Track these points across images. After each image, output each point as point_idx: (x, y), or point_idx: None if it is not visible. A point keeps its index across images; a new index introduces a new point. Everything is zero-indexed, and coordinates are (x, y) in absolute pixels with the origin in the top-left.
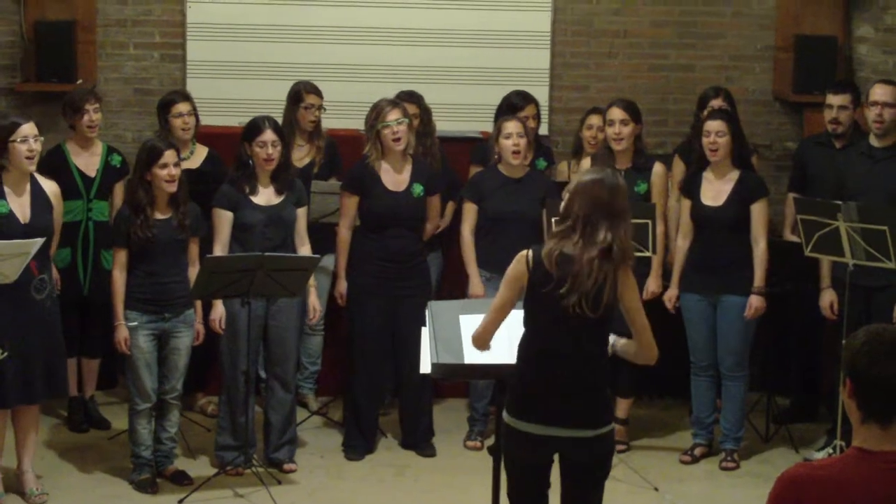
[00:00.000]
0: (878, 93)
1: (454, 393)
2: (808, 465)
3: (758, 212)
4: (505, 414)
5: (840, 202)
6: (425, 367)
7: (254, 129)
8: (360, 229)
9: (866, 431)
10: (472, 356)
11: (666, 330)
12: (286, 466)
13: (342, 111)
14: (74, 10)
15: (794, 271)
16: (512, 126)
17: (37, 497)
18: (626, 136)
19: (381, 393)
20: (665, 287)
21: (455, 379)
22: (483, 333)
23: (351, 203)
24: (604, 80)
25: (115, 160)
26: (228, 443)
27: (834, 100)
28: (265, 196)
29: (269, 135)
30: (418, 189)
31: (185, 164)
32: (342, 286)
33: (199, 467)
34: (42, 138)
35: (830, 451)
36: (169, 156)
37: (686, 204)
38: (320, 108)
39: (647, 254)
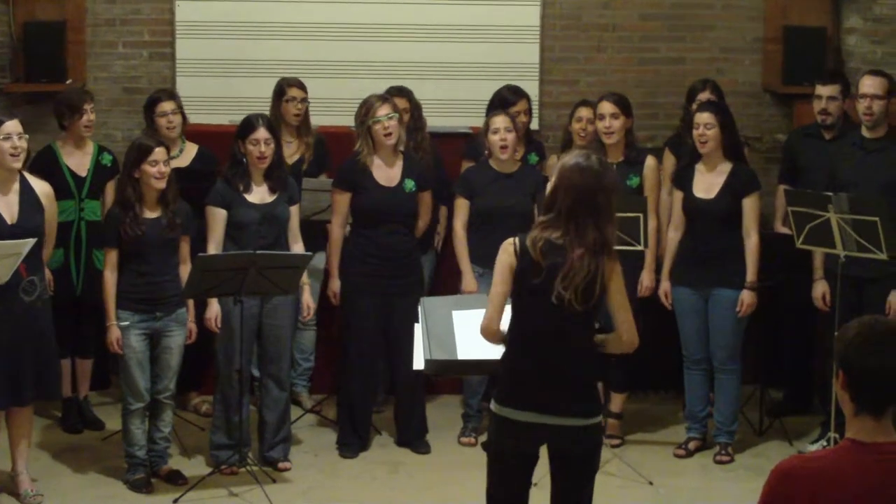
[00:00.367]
0: (867, 84)
1: (448, 389)
2: (801, 457)
3: (750, 206)
4: (493, 403)
5: (831, 193)
6: (418, 363)
7: (247, 126)
8: (352, 227)
9: (859, 423)
10: (465, 352)
11: (658, 324)
12: (281, 465)
13: (333, 108)
14: (64, 10)
15: (786, 263)
16: (500, 121)
17: (31, 498)
18: (617, 129)
19: (375, 391)
20: (658, 281)
21: (448, 375)
22: (489, 326)
23: (343, 200)
24: (593, 74)
25: (106, 159)
26: (223, 442)
27: (823, 90)
28: (259, 194)
29: (262, 133)
30: (410, 184)
31: (175, 163)
32: (336, 285)
33: (194, 467)
34: (27, 136)
35: (824, 443)
36: (159, 153)
37: (678, 196)
38: (303, 100)
39: (640, 248)
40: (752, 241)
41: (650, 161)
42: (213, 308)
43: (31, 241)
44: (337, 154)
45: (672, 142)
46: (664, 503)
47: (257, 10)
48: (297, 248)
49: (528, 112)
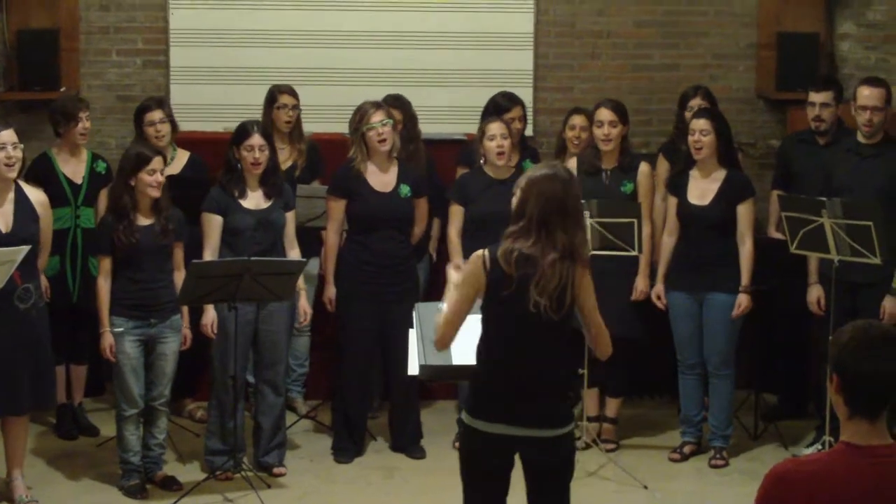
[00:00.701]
0: (866, 95)
1: (443, 395)
2: (796, 460)
3: (744, 212)
4: (463, 413)
5: (824, 199)
6: (413, 368)
7: (242, 133)
8: (347, 233)
9: (854, 426)
10: (460, 357)
11: (653, 329)
12: (276, 470)
13: (327, 115)
14: (57, 18)
15: (780, 269)
16: (495, 128)
17: None
18: (615, 137)
19: (370, 396)
20: (652, 286)
21: (443, 380)
22: (444, 336)
23: (338, 207)
24: (587, 81)
25: (100, 167)
26: (218, 447)
27: (816, 97)
28: (254, 200)
29: (256, 139)
30: (405, 190)
31: (166, 170)
32: (331, 291)
33: (189, 472)
34: (22, 146)
35: (819, 447)
36: (156, 162)
37: (672, 202)
38: (295, 107)
39: (634, 253)
40: (746, 247)
41: (644, 167)
42: (210, 314)
43: (24, 249)
44: (331, 161)
45: (666, 148)
46: None
47: (251, 18)
48: (294, 254)
49: (523, 119)
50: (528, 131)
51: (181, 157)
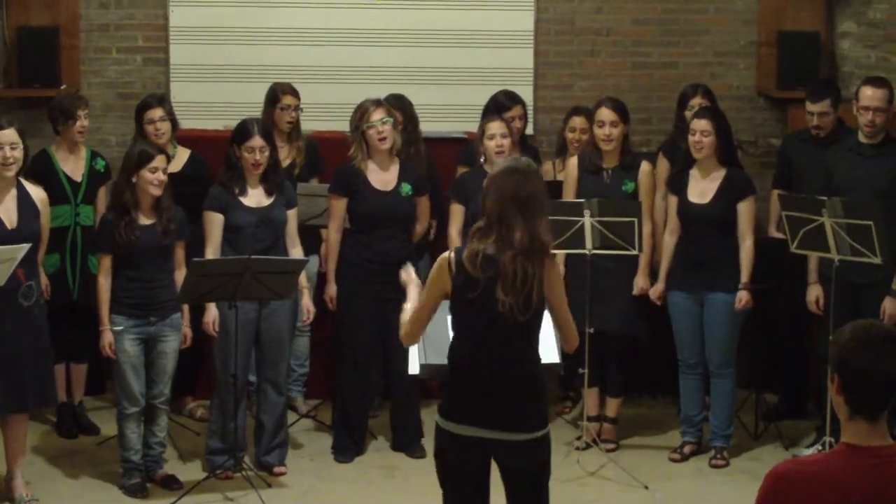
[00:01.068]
0: (869, 96)
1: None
2: (796, 460)
3: (745, 210)
4: (437, 416)
5: (825, 198)
6: (413, 368)
7: (243, 133)
8: (348, 231)
9: (854, 427)
10: None
11: (653, 328)
12: (276, 469)
13: (327, 113)
14: (58, 16)
15: (780, 268)
16: (495, 127)
17: (27, 503)
18: (616, 136)
19: (371, 395)
20: (652, 284)
21: (443, 379)
22: (407, 334)
23: (339, 205)
24: (587, 79)
25: (99, 164)
26: (218, 446)
27: (813, 108)
28: (255, 197)
29: (257, 140)
30: (406, 188)
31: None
32: (332, 289)
33: (189, 471)
34: (21, 145)
35: (819, 447)
36: (159, 160)
37: (673, 201)
38: (297, 108)
39: (634, 252)
40: (746, 245)
41: (645, 166)
42: (212, 312)
43: (26, 247)
44: (332, 159)
45: (666, 146)
46: None
47: (251, 16)
48: (296, 252)
49: (524, 117)
50: (529, 130)
51: (182, 155)
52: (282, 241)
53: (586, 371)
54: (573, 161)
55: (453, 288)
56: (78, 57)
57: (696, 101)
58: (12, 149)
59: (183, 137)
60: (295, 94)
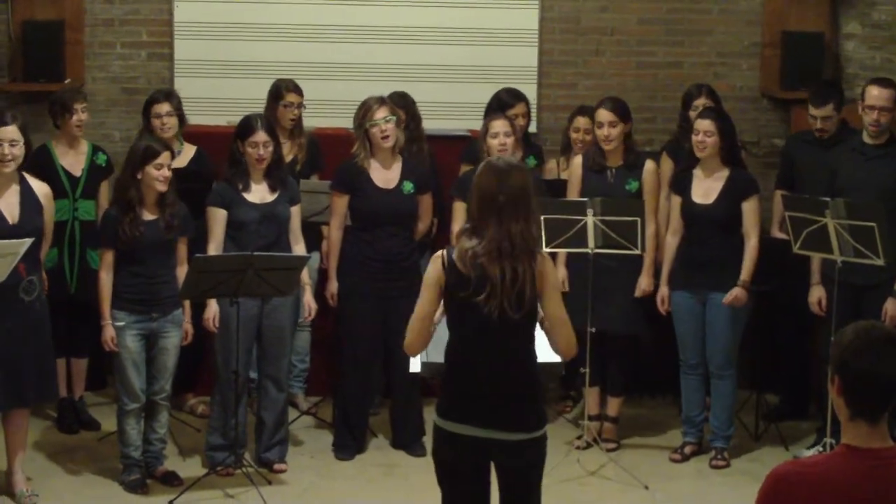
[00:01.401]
0: (875, 95)
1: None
2: (797, 462)
3: (749, 209)
4: (434, 415)
5: (828, 199)
6: (414, 366)
7: (247, 128)
8: (350, 229)
9: (855, 429)
10: None
11: (655, 328)
12: (277, 466)
13: (330, 110)
14: (62, 10)
15: (783, 269)
16: (499, 125)
17: (27, 499)
18: (615, 136)
19: (371, 393)
20: (656, 285)
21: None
22: (411, 343)
23: (341, 202)
24: (591, 78)
25: (101, 159)
26: (219, 443)
27: (816, 112)
28: (259, 193)
29: (261, 136)
30: (408, 186)
31: (173, 163)
32: (333, 287)
33: (190, 468)
34: (21, 141)
35: (820, 448)
36: (164, 157)
37: (676, 201)
38: (300, 106)
39: (637, 251)
40: (751, 243)
41: (649, 165)
42: (212, 308)
43: (28, 241)
44: (335, 156)
45: (670, 146)
46: None
47: (256, 12)
48: (299, 248)
49: (527, 115)
50: (532, 128)
51: (188, 151)
52: (285, 238)
53: (587, 370)
54: (577, 160)
55: (446, 286)
56: (82, 52)
57: (701, 102)
58: (11, 145)
59: (187, 133)
60: (298, 91)
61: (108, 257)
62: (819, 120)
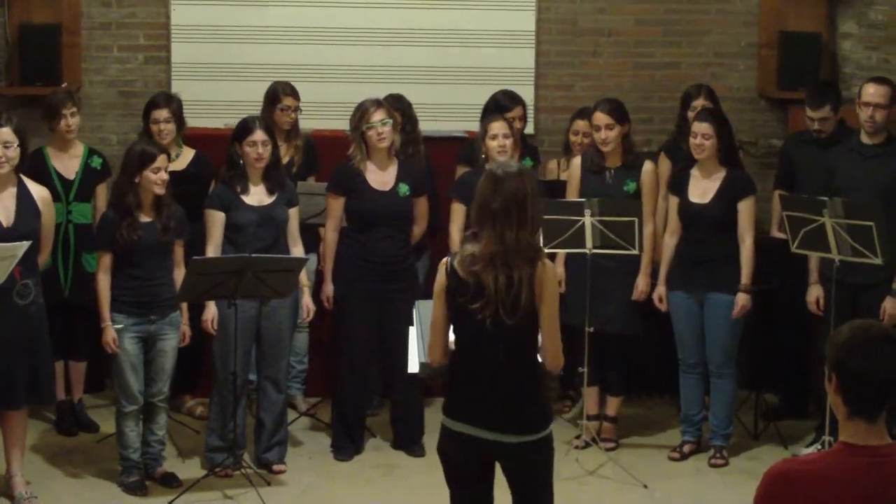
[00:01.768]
0: (871, 93)
1: (442, 393)
2: (795, 459)
3: (745, 209)
4: (441, 414)
5: (826, 198)
6: (413, 366)
7: (244, 129)
8: (346, 231)
9: (853, 426)
10: None
11: (654, 328)
12: (276, 467)
13: (327, 112)
14: (59, 13)
15: (781, 268)
16: (498, 127)
17: (26, 501)
18: (612, 139)
19: (368, 394)
20: (653, 286)
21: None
22: (429, 349)
23: (337, 204)
24: (589, 79)
25: (96, 162)
26: (218, 444)
27: (813, 114)
28: (257, 196)
29: (259, 135)
30: (404, 189)
31: (172, 166)
32: (329, 289)
33: (189, 469)
34: (16, 144)
35: (819, 446)
36: (161, 160)
37: (674, 201)
38: (296, 109)
39: (634, 251)
40: (747, 245)
41: (648, 166)
42: (211, 310)
43: (25, 245)
44: (331, 158)
45: (668, 146)
46: None
47: (252, 15)
48: (297, 250)
49: (523, 118)
50: (529, 129)
51: (186, 154)
52: (283, 240)
53: (586, 370)
54: (576, 161)
55: (447, 290)
56: (79, 55)
57: (700, 102)
58: (6, 147)
59: (184, 136)
60: (295, 94)
61: (106, 260)
62: (816, 122)
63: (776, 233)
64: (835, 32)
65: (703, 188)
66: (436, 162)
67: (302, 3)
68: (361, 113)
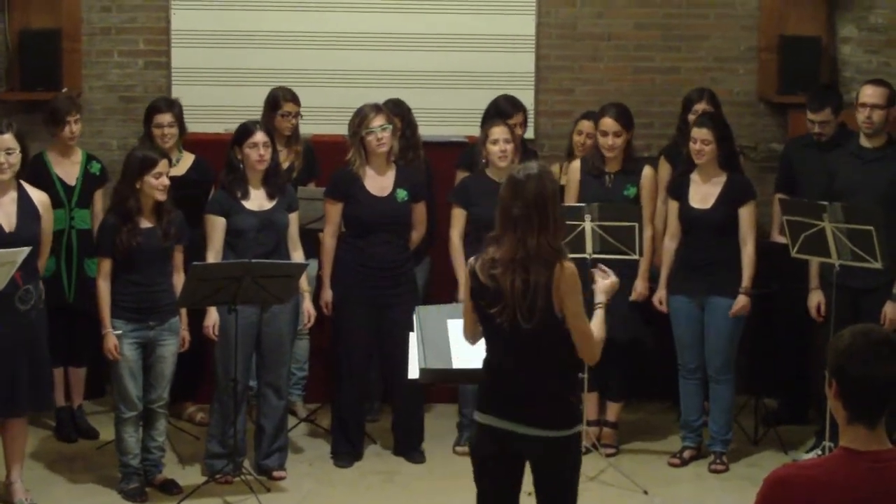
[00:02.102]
0: (868, 94)
1: (443, 398)
2: (795, 465)
3: (746, 214)
4: (474, 410)
5: (826, 203)
6: (413, 372)
7: (244, 131)
8: (345, 236)
9: (853, 432)
10: (460, 361)
11: (653, 333)
12: (276, 474)
13: (327, 117)
14: (59, 19)
15: (781, 273)
16: (499, 132)
17: None
18: (619, 146)
19: (368, 400)
20: (651, 289)
21: (443, 383)
22: (466, 331)
23: (335, 210)
24: (589, 83)
25: (95, 168)
26: (218, 451)
27: (814, 117)
28: (257, 201)
29: (260, 136)
30: (402, 194)
31: (172, 172)
32: (327, 295)
33: (189, 476)
34: (17, 150)
35: (819, 452)
36: (163, 165)
37: (674, 206)
38: (297, 115)
39: (634, 256)
40: (748, 249)
41: (647, 171)
42: (212, 316)
43: (26, 250)
44: (331, 163)
45: (668, 150)
46: None
47: (253, 20)
48: (297, 255)
49: (524, 124)
50: (529, 133)
51: (186, 160)
52: (283, 245)
53: (586, 375)
54: (575, 164)
55: (471, 293)
56: (80, 60)
57: (701, 107)
58: (8, 154)
59: (183, 141)
60: (296, 100)
61: (106, 266)
62: (817, 124)
63: (777, 237)
64: (835, 36)
65: (703, 193)
66: (436, 167)
67: (302, 9)
68: (361, 118)
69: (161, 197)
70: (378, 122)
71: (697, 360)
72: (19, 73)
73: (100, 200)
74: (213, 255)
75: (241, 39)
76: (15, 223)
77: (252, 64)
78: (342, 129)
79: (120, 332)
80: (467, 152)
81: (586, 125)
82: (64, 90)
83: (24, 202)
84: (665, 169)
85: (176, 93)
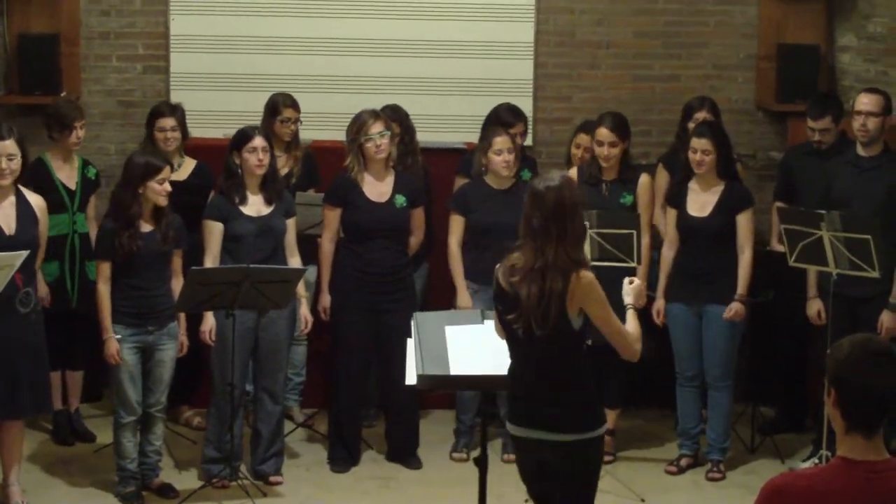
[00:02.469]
0: (863, 102)
1: (440, 405)
2: (792, 474)
3: (744, 222)
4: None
5: (823, 212)
6: (411, 378)
7: (243, 136)
8: (343, 242)
9: (851, 441)
10: (458, 367)
11: (651, 340)
12: (272, 479)
13: (326, 123)
14: (58, 23)
15: (779, 281)
16: (501, 142)
17: None
18: (615, 156)
19: (366, 405)
20: (650, 297)
21: (440, 390)
22: (497, 332)
23: (333, 215)
24: (587, 91)
25: (91, 172)
26: (214, 455)
27: (814, 125)
28: (255, 206)
29: (258, 140)
30: (401, 200)
31: (173, 176)
32: (326, 300)
33: (186, 480)
34: (19, 156)
35: (816, 461)
36: (166, 171)
37: (672, 214)
38: (297, 121)
39: (632, 264)
40: (745, 257)
41: (644, 179)
42: (209, 321)
43: (24, 253)
44: (331, 169)
45: (666, 158)
46: None
47: (251, 25)
48: (295, 261)
49: (524, 134)
50: (528, 140)
51: (188, 165)
52: (281, 251)
53: None
54: (572, 173)
55: (494, 298)
56: (78, 64)
57: (702, 115)
58: (9, 159)
59: (184, 146)
60: (295, 106)
61: (106, 270)
62: (817, 132)
63: (776, 245)
64: (833, 45)
65: (701, 201)
66: (434, 173)
67: (301, 15)
68: (359, 125)
69: (163, 202)
70: (376, 128)
71: (695, 368)
72: (18, 76)
73: (93, 205)
74: (211, 261)
75: (240, 45)
76: (14, 227)
77: (251, 69)
78: (341, 135)
79: (119, 337)
80: (467, 159)
81: (584, 139)
82: (63, 94)
83: (23, 206)
84: (663, 177)
85: (175, 98)
